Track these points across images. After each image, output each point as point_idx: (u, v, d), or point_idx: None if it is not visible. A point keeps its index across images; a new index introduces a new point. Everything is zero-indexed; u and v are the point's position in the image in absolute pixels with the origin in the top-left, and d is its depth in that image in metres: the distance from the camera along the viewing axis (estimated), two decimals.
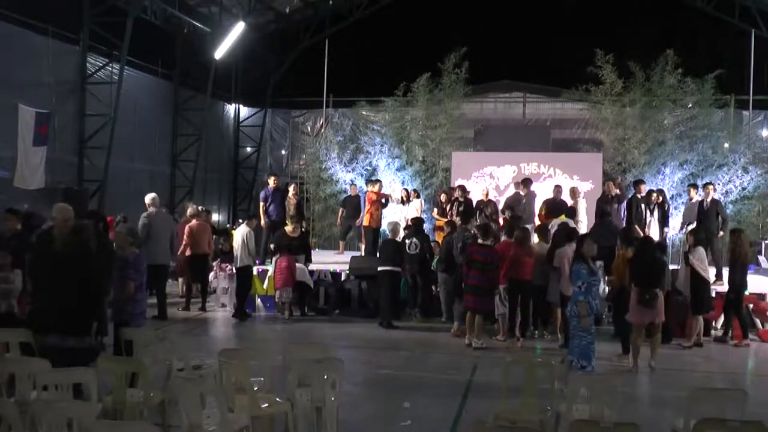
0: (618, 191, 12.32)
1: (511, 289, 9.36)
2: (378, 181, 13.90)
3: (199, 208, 12.69)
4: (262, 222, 12.56)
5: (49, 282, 5.22)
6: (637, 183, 12.17)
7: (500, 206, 12.85)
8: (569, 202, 12.15)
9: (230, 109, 21.37)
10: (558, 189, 12.31)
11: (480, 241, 9.37)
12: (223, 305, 11.79)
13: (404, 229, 11.38)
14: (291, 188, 13.21)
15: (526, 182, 12.61)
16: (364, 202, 13.41)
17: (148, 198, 10.69)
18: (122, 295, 6.09)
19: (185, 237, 11.35)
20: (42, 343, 5.15)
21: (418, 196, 14.31)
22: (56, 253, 5.29)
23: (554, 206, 11.84)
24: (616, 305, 9.20)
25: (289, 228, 11.49)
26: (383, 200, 13.36)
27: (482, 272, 9.00)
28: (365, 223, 13.10)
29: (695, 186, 12.47)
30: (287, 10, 19.92)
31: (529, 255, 9.32)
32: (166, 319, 10.51)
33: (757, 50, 16.55)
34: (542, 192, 13.21)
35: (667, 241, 11.93)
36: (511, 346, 9.22)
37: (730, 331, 9.94)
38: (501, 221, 11.61)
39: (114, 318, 6.19)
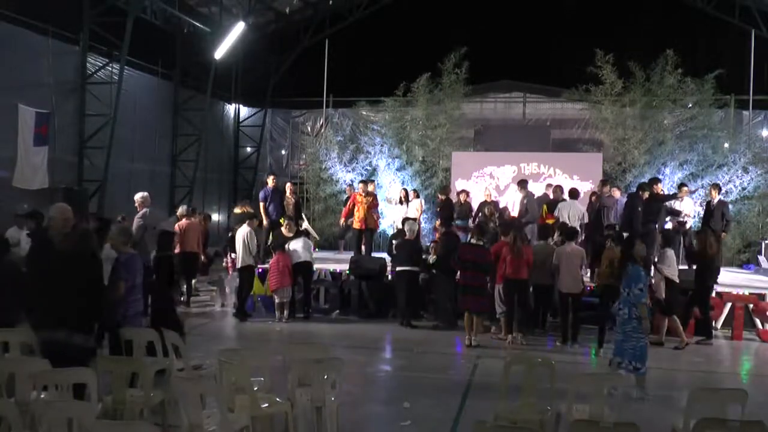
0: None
1: (507, 288, 9.42)
2: (364, 182, 13.38)
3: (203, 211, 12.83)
4: (264, 222, 12.56)
5: (54, 281, 5.19)
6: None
7: (501, 206, 12.93)
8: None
9: (230, 109, 21.38)
10: (558, 188, 12.29)
11: (473, 241, 9.54)
12: (223, 305, 11.83)
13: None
14: (288, 188, 13.17)
15: (523, 183, 12.66)
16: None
17: (140, 197, 10.45)
18: (113, 296, 5.93)
19: (179, 236, 11.41)
20: (47, 339, 5.10)
21: (417, 196, 14.30)
22: (61, 253, 5.25)
23: (553, 206, 11.84)
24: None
25: (284, 228, 11.50)
26: (367, 201, 12.76)
27: (476, 272, 9.16)
28: (355, 225, 12.80)
29: (684, 185, 12.61)
30: (287, 10, 19.93)
31: (518, 256, 9.31)
32: None
33: (757, 50, 16.55)
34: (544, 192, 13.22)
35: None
36: (512, 342, 9.35)
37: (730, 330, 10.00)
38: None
39: (106, 320, 5.93)
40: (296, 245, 10.98)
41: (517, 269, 9.25)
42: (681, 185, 12.34)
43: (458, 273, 9.67)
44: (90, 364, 4.98)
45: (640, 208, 10.42)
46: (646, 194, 10.60)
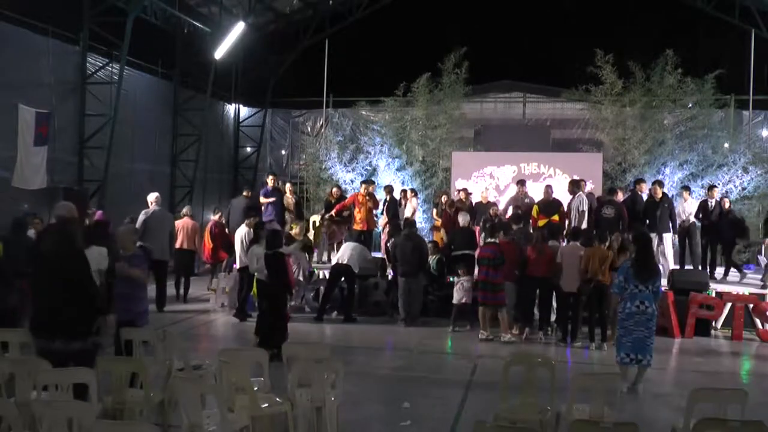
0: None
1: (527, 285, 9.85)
2: (365, 182, 13.37)
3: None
4: None
5: (43, 283, 5.15)
6: (653, 183, 12.20)
7: (501, 206, 12.93)
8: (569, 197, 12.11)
9: (230, 109, 21.37)
10: (549, 188, 12.28)
11: (487, 239, 10.00)
12: (223, 305, 11.82)
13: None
14: (288, 188, 13.18)
15: (522, 183, 12.98)
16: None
17: (151, 197, 11.28)
18: (138, 281, 6.19)
19: (177, 234, 12.08)
20: (45, 348, 5.05)
21: (415, 195, 14.27)
22: (45, 253, 5.21)
23: (545, 206, 11.83)
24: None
25: (295, 230, 11.56)
26: (370, 204, 12.89)
27: (490, 268, 9.51)
28: (357, 226, 12.74)
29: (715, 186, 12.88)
30: (287, 10, 19.92)
31: (540, 254, 9.74)
32: (163, 309, 11.05)
33: (757, 50, 16.54)
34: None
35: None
36: (527, 338, 9.71)
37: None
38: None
39: (120, 317, 5.86)
40: (346, 247, 11.21)
41: (538, 267, 9.63)
42: (711, 187, 12.56)
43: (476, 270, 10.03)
44: (94, 363, 4.98)
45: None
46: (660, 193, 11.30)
